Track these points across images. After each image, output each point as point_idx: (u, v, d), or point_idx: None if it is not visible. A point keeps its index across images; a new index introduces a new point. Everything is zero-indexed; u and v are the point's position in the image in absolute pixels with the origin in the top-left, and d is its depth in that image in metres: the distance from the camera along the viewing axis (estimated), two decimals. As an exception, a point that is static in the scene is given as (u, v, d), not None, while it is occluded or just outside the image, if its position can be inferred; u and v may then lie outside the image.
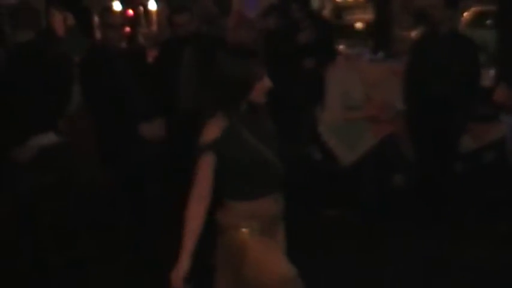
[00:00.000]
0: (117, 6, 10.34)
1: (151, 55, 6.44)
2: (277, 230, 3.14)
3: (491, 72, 7.22)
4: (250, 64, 2.86)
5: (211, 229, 3.01)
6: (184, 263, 2.82)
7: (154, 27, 12.47)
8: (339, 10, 19.61)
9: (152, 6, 12.48)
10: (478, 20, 16.22)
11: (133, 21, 12.19)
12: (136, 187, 5.08)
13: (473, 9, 18.15)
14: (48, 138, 4.81)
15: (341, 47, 9.20)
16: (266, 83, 2.90)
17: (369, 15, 12.47)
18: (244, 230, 2.94)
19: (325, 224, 5.65)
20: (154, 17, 12.48)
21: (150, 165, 5.25)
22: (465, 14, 18.25)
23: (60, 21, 6.16)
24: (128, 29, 9.42)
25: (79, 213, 5.14)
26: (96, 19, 8.13)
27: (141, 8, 13.13)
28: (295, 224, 5.22)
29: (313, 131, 6.59)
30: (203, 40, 5.50)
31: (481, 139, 6.14)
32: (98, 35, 7.53)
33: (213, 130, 2.87)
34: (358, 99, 6.49)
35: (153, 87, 5.26)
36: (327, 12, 16.80)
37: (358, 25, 15.95)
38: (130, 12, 12.53)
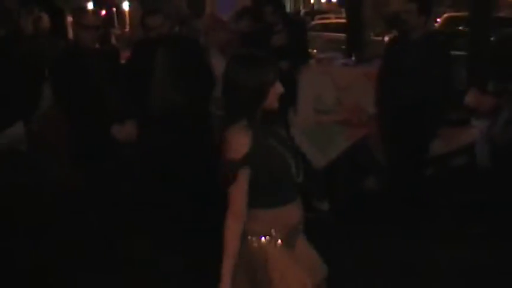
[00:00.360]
0: (89, 7, 10.30)
1: (125, 56, 6.40)
2: (298, 237, 3.14)
3: (463, 76, 7.32)
4: (264, 71, 2.82)
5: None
6: (226, 286, 2.81)
7: (127, 28, 12.45)
8: (312, 14, 19.70)
9: (125, 6, 12.46)
10: (450, 25, 16.45)
11: (107, 22, 12.15)
12: (110, 188, 5.05)
13: (446, 15, 18.40)
14: (16, 129, 4.76)
15: (314, 50, 9.25)
16: (278, 88, 2.86)
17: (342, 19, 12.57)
18: (266, 237, 2.92)
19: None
20: (127, 18, 12.46)
21: (123, 166, 5.23)
22: (438, 19, 18.50)
23: (28, 20, 6.09)
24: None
25: (52, 212, 5.10)
26: (69, 19, 8.08)
27: (114, 9, 13.09)
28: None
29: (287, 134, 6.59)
30: (176, 42, 5.48)
31: (452, 143, 6.19)
32: (71, 35, 7.48)
33: (241, 143, 2.78)
34: (331, 103, 6.50)
35: (126, 89, 5.23)
36: (301, 16, 16.86)
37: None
38: (103, 12, 12.49)
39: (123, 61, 5.96)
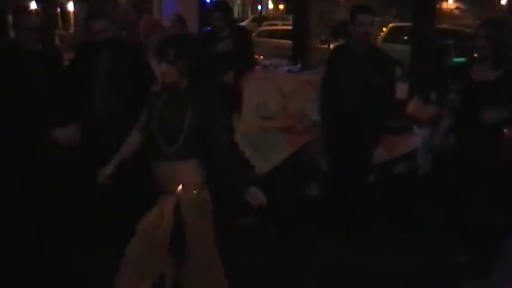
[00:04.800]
0: (32, 6, 10.11)
1: (68, 58, 6.28)
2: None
3: (406, 85, 7.44)
4: None
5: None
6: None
7: (71, 29, 12.27)
8: (260, 20, 19.81)
9: (70, 7, 12.27)
10: (395, 35, 16.73)
11: (50, 22, 11.94)
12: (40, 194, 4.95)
13: (391, 25, 18.71)
14: None
15: (261, 57, 9.27)
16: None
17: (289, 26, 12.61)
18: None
19: (240, 233, 5.63)
20: (71, 19, 12.27)
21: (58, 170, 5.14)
22: (384, 29, 18.80)
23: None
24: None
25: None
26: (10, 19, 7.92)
27: (58, 9, 12.87)
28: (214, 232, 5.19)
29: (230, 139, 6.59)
30: (118, 46, 5.41)
31: (394, 151, 6.28)
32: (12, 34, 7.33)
33: None
34: (275, 110, 6.54)
35: (68, 92, 5.14)
36: (248, 22, 16.93)
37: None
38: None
39: (66, 63, 5.84)
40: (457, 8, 47.00)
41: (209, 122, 3.56)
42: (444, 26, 19.51)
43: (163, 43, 3.64)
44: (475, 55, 5.00)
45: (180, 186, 3.63)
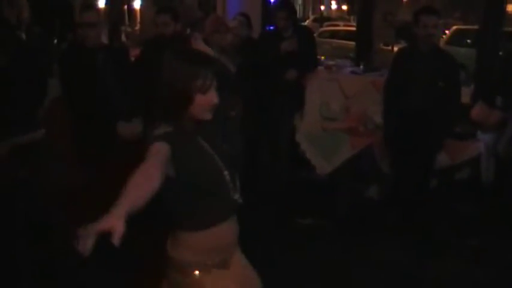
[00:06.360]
0: (101, 4, 10.29)
1: (134, 54, 6.39)
2: (234, 255, 2.74)
3: (469, 90, 7.32)
4: (194, 73, 2.41)
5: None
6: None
7: (137, 26, 12.44)
8: (321, 20, 19.76)
9: (137, 5, 12.45)
10: (458, 38, 16.46)
11: (116, 19, 12.15)
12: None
13: (454, 28, 18.42)
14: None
15: (322, 57, 9.24)
16: (212, 98, 2.45)
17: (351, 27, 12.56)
18: (197, 272, 2.56)
19: (300, 233, 5.65)
20: (138, 16, 12.45)
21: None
22: (447, 31, 18.51)
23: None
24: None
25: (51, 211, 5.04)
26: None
27: (125, 6, 13.09)
28: (271, 232, 5.23)
29: (292, 139, 6.62)
30: (185, 42, 5.49)
31: (457, 156, 6.20)
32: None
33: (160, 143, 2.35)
34: (337, 111, 6.52)
35: (134, 87, 5.22)
36: (309, 22, 16.92)
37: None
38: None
39: (132, 59, 5.95)
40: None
41: None
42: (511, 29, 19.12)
43: None
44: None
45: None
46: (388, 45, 10.92)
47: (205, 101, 2.44)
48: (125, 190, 2.05)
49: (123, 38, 11.18)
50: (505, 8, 9.10)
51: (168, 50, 2.52)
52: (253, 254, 2.93)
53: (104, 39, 7.30)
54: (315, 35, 8.84)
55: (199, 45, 5.52)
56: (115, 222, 1.90)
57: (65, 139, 5.15)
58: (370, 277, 4.86)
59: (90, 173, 4.93)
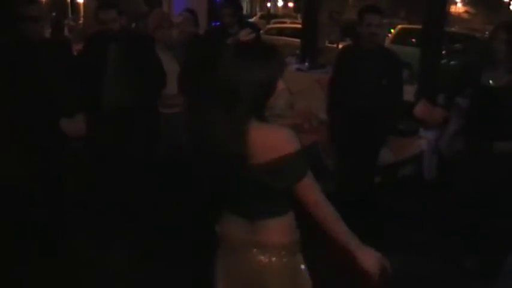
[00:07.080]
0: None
1: (77, 49, 6.27)
2: None
3: (414, 88, 7.42)
4: (271, 64, 2.49)
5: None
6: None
7: (81, 20, 12.24)
8: (268, 17, 19.75)
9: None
10: (403, 37, 16.70)
11: (59, 12, 11.93)
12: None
13: (399, 27, 18.67)
14: None
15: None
16: (281, 85, 2.54)
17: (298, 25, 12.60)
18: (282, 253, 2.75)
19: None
20: (81, 10, 12.23)
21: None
22: (392, 30, 18.76)
23: None
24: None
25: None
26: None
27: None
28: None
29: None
30: (128, 38, 5.42)
31: (401, 153, 6.27)
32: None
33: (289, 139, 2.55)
34: (282, 107, 6.51)
35: (77, 83, 5.12)
36: (256, 19, 16.92)
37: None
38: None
39: (75, 53, 5.83)
40: (465, 11, 47.01)
41: None
42: (453, 29, 19.50)
43: None
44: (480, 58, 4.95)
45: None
46: (333, 43, 11.01)
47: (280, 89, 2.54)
48: (339, 228, 2.68)
49: (66, 32, 10.95)
50: (447, 9, 9.27)
51: (229, 52, 2.54)
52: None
53: (46, 33, 7.14)
54: (261, 32, 8.83)
55: (163, 55, 5.48)
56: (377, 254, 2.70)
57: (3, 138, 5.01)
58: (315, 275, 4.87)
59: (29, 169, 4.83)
